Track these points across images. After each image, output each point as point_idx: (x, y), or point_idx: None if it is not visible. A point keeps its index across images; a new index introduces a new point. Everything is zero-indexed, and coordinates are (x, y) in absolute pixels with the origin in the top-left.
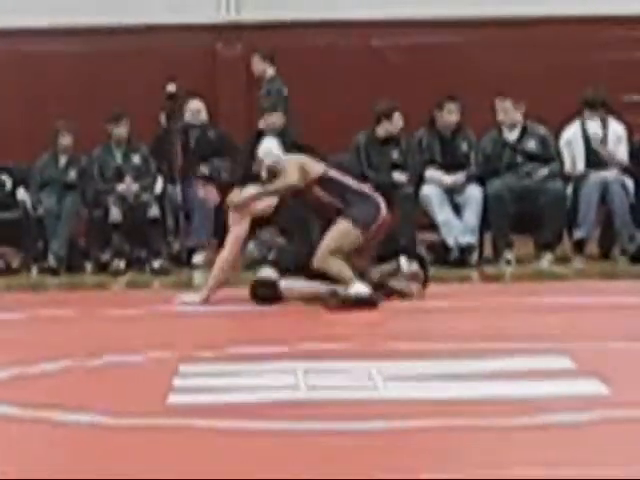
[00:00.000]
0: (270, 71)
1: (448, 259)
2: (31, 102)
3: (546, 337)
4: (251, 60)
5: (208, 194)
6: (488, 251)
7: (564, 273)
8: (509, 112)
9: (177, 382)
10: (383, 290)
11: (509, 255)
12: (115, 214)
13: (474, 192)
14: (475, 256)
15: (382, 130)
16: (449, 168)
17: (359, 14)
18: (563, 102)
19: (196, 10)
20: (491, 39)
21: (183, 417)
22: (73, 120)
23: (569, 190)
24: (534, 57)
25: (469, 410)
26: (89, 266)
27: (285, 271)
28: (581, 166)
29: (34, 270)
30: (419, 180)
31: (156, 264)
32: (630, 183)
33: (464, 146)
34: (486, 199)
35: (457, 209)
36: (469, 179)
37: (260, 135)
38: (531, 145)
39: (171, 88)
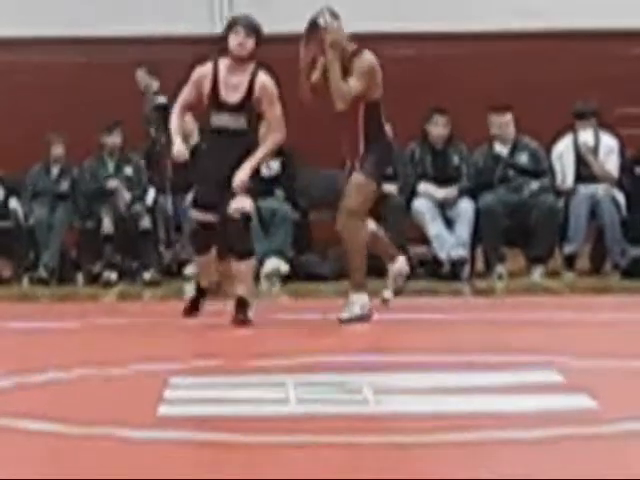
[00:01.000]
0: (155, 85)
1: (440, 273)
2: (23, 112)
3: (537, 351)
4: (135, 73)
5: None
6: (480, 265)
7: (555, 287)
8: (503, 127)
9: (168, 393)
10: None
11: (501, 269)
12: (107, 225)
13: (466, 206)
14: (467, 270)
15: None
16: (441, 181)
17: (350, 27)
18: (556, 116)
19: (190, 22)
20: (482, 53)
21: (174, 429)
22: (65, 131)
23: (560, 204)
24: (526, 71)
25: (461, 424)
26: (80, 277)
27: None
28: (571, 180)
29: (25, 280)
30: (411, 193)
31: (147, 275)
32: (621, 197)
33: (456, 159)
34: (478, 213)
35: (449, 223)
36: (461, 193)
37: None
38: (523, 159)
39: (162, 99)
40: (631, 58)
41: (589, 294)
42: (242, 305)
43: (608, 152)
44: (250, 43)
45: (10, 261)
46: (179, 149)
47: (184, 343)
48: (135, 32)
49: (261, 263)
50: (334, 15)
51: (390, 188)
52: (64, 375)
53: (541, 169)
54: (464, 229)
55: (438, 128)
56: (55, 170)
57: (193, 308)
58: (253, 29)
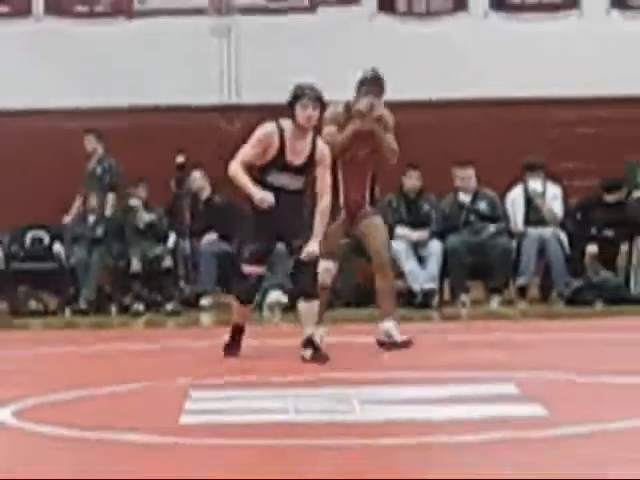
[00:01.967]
0: (100, 150)
1: (413, 302)
2: (64, 170)
3: (496, 367)
4: (84, 138)
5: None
6: (447, 295)
7: (511, 313)
8: (466, 179)
9: (188, 405)
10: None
11: (465, 298)
12: (135, 265)
13: (435, 246)
14: (436, 299)
15: None
16: (414, 226)
17: (337, 96)
18: (509, 170)
19: (203, 93)
20: (448, 119)
21: (194, 436)
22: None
23: (514, 244)
24: (485, 133)
25: (429, 430)
26: (114, 308)
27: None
28: (521, 223)
29: (67, 312)
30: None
31: (169, 306)
32: (564, 238)
33: (426, 207)
34: (445, 252)
35: (421, 260)
36: (431, 235)
37: None
38: (482, 206)
39: (180, 159)
40: (566, 122)
41: (539, 319)
42: (309, 343)
43: (553, 198)
44: (316, 115)
45: (55, 296)
46: (263, 196)
47: (200, 363)
48: (159, 101)
49: (264, 295)
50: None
51: None
52: (97, 391)
53: (497, 215)
54: (434, 265)
55: (411, 180)
56: (91, 219)
57: (235, 346)
58: (319, 100)
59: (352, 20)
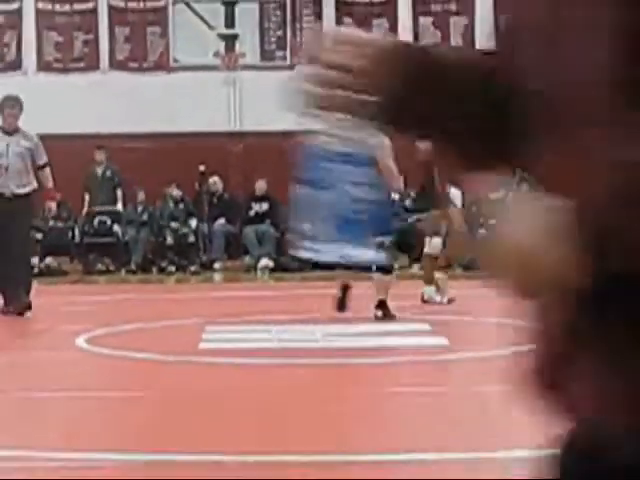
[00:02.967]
0: (105, 162)
1: None
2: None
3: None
4: (96, 152)
5: None
6: None
7: None
8: None
9: (205, 336)
10: None
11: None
12: (169, 240)
13: None
14: None
15: None
16: None
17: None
18: None
19: (217, 123)
20: None
21: (211, 357)
22: (145, 185)
23: None
24: None
25: (362, 353)
26: (154, 269)
27: None
28: None
29: (122, 272)
30: None
31: (192, 268)
32: None
33: None
34: None
35: None
36: None
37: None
38: None
39: (202, 168)
40: None
41: None
42: (381, 305)
43: None
44: None
45: (114, 261)
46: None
47: (213, 307)
48: (187, 129)
49: (257, 261)
50: None
51: None
52: (144, 325)
53: None
54: None
55: None
56: (140, 208)
57: (344, 302)
58: None
59: None
